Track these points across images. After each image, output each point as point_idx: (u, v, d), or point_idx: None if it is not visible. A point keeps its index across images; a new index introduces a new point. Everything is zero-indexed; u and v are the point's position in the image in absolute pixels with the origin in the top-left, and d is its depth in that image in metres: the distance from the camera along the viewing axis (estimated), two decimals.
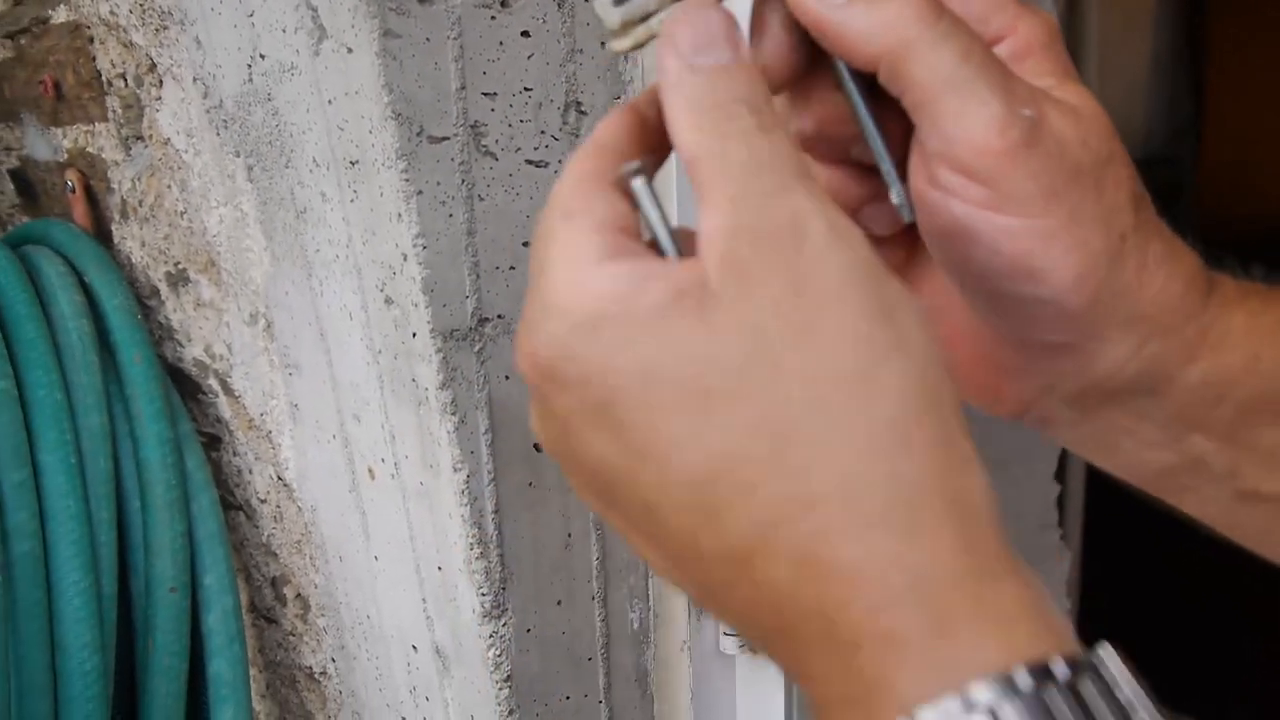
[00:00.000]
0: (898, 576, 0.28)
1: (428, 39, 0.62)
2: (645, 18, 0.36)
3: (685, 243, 0.34)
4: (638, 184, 0.34)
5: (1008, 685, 0.27)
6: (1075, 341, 0.39)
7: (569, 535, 0.72)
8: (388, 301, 0.68)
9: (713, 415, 0.30)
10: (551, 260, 0.33)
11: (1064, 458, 1.36)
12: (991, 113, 0.35)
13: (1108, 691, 0.28)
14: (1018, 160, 0.36)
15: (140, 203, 0.97)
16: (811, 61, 0.39)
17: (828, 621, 0.29)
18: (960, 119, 0.36)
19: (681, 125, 0.33)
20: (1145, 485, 0.43)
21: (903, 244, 0.43)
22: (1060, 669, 0.27)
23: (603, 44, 0.66)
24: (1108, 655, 0.29)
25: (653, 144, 0.36)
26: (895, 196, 0.39)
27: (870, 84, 0.38)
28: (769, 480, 0.30)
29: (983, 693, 0.27)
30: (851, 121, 0.39)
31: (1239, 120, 2.04)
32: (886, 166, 0.39)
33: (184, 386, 1.00)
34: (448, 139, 0.64)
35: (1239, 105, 2.03)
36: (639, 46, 0.36)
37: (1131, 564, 1.92)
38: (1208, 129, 2.09)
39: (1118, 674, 0.29)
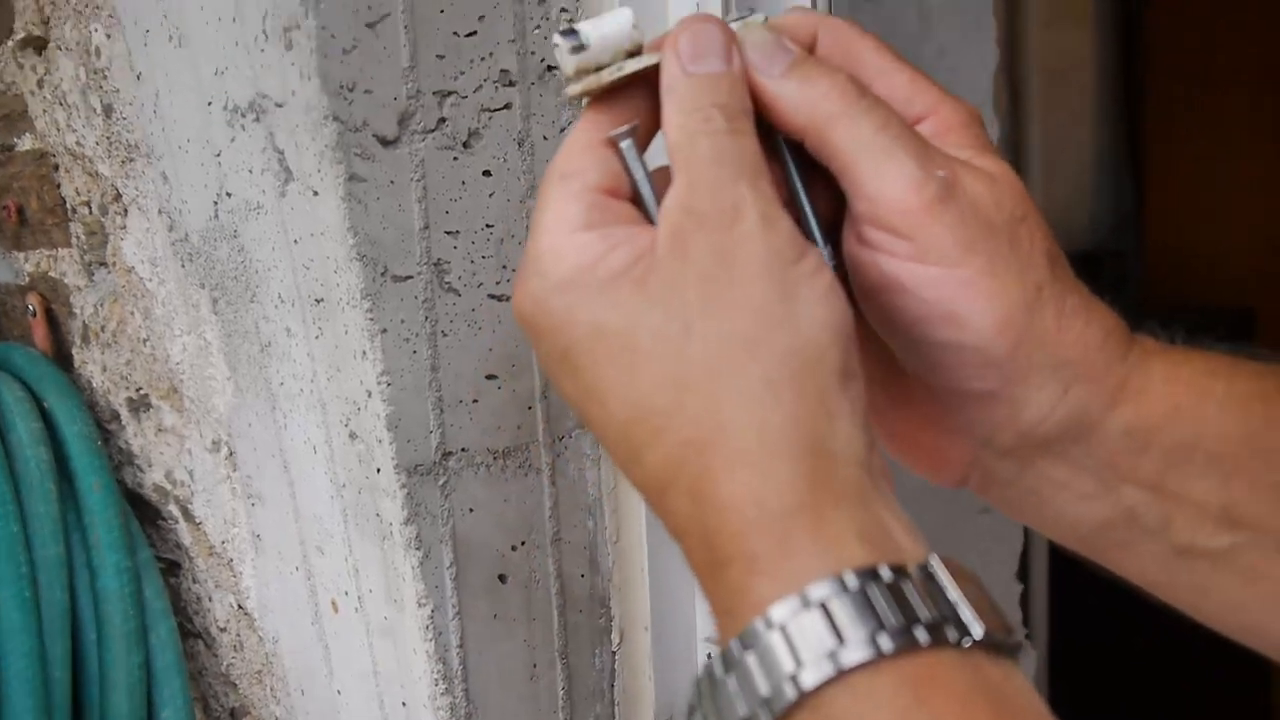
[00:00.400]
0: (754, 509, 0.34)
1: (392, 181, 0.63)
2: (598, 69, 0.41)
3: (665, 189, 0.40)
4: (625, 145, 0.40)
5: (838, 585, 0.33)
6: (1002, 389, 0.42)
7: (534, 666, 0.72)
8: (352, 436, 0.68)
9: (636, 369, 0.37)
10: (542, 224, 0.40)
11: (1025, 556, 1.37)
12: (908, 173, 0.40)
13: (937, 592, 0.33)
14: (934, 215, 0.40)
15: (102, 328, 0.97)
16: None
17: (710, 546, 0.35)
18: (880, 180, 0.40)
19: (669, 120, 0.40)
20: (1083, 546, 0.45)
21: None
22: (885, 573, 0.33)
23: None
24: (937, 565, 0.34)
25: (648, 119, 0.42)
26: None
27: (802, 151, 0.43)
28: (672, 427, 0.36)
29: (816, 590, 0.33)
30: (780, 187, 0.43)
31: (1179, 210, 2.10)
32: (810, 224, 0.43)
33: (143, 512, 0.99)
34: (411, 277, 0.64)
35: (1178, 196, 2.10)
36: (588, 93, 0.42)
37: (1099, 660, 1.92)
38: (1150, 220, 2.16)
39: (946, 581, 0.34)
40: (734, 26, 0.43)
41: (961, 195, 0.41)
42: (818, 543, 0.34)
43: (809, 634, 0.32)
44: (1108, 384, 0.41)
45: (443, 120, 0.64)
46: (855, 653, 0.32)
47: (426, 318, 0.65)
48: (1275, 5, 1.82)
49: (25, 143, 0.99)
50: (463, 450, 0.67)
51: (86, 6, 0.82)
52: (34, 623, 0.87)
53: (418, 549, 0.66)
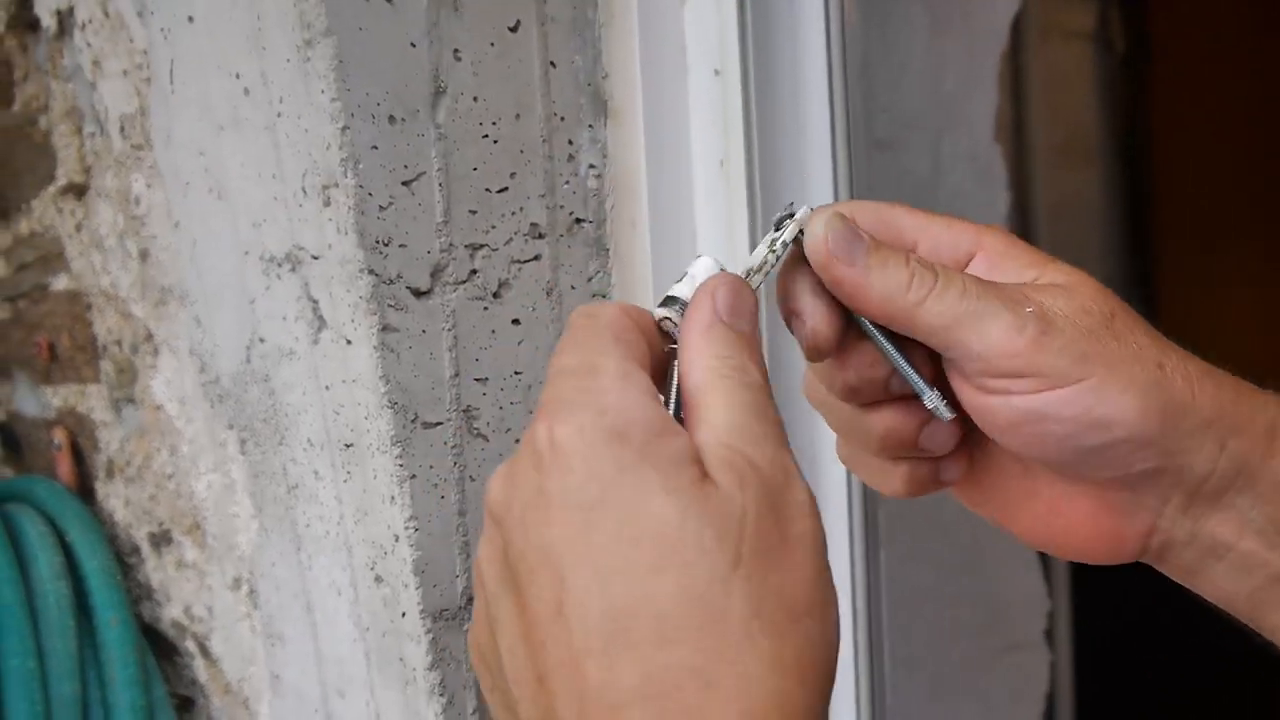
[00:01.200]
0: None
1: (424, 331, 0.65)
2: (762, 268, 0.45)
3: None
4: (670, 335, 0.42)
5: None
6: (1165, 462, 0.43)
7: None
8: (377, 580, 0.68)
9: (666, 567, 0.35)
10: (606, 370, 0.38)
11: (1051, 697, 1.35)
12: (1004, 324, 0.42)
13: None
14: (1043, 347, 0.42)
15: (127, 463, 0.98)
16: (843, 321, 0.46)
17: None
18: (983, 339, 0.42)
19: (700, 354, 0.40)
20: (1245, 608, 0.46)
21: (963, 457, 0.48)
22: None
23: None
24: None
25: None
26: (930, 402, 0.45)
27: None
28: (682, 646, 0.34)
29: None
30: (882, 364, 0.46)
31: (1192, 345, 2.12)
32: (916, 380, 0.45)
33: (160, 647, 0.99)
34: (441, 424, 0.66)
35: (1191, 331, 2.11)
36: (760, 281, 0.45)
37: (1118, 669, 1.86)
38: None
39: None
40: (799, 214, 0.45)
41: (1055, 318, 0.43)
42: None
43: None
44: (1258, 432, 0.43)
45: (474, 272, 0.67)
46: None
47: (455, 463, 0.66)
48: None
49: (60, 282, 1.02)
50: None
51: (128, 158, 0.85)
52: None
53: (441, 695, 0.66)
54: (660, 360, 0.42)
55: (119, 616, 0.95)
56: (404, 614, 0.67)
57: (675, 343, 0.41)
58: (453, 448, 0.66)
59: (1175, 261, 2.12)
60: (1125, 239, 2.15)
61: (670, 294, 0.43)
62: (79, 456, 1.06)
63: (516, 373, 0.68)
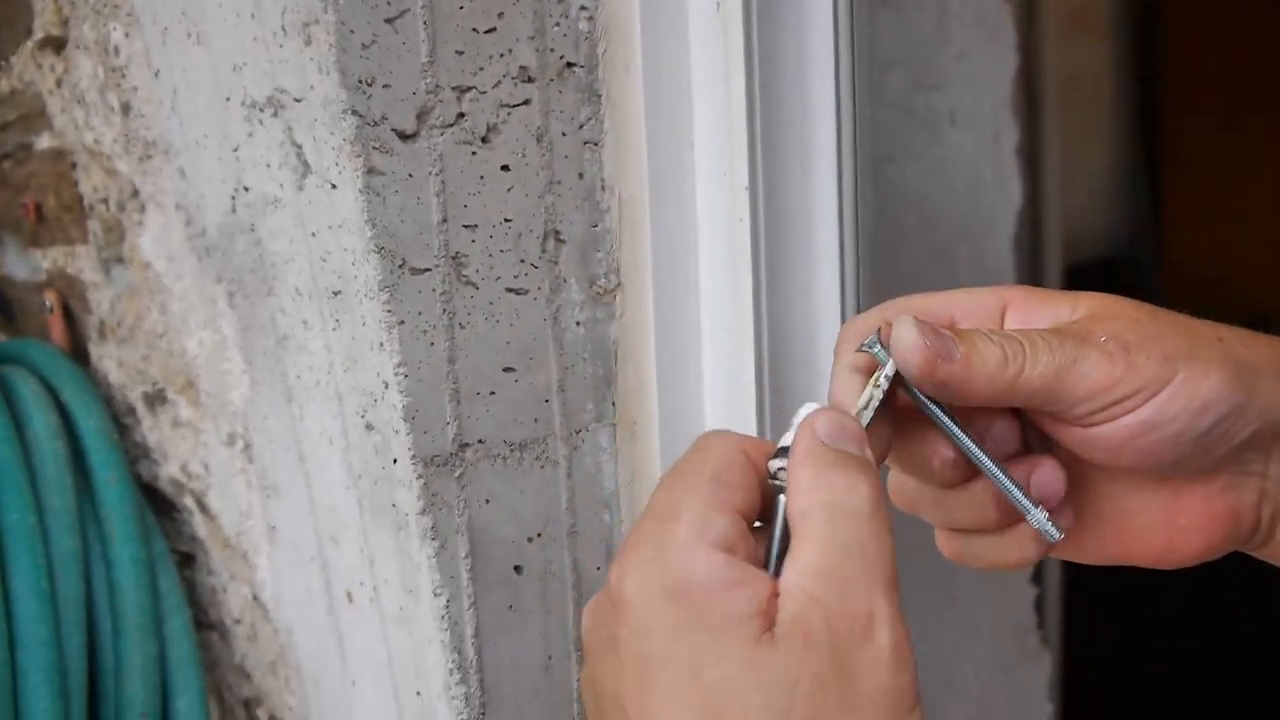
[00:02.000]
0: None
1: (410, 175, 0.64)
2: (868, 404, 0.45)
3: (783, 559, 0.40)
4: (784, 498, 0.40)
5: None
6: (1260, 423, 0.46)
7: (549, 658, 0.72)
8: (368, 428, 0.69)
9: None
10: (684, 516, 0.39)
11: (1041, 560, 1.37)
12: (1097, 361, 0.44)
13: None
14: (1134, 365, 0.44)
15: (119, 324, 0.98)
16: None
17: None
18: (1085, 381, 0.44)
19: (802, 482, 0.40)
20: None
21: (1067, 508, 0.48)
22: None
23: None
24: None
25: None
26: (1036, 523, 0.46)
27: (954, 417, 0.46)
28: None
29: None
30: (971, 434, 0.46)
31: (1196, 218, 2.10)
32: (1022, 501, 0.46)
33: (159, 506, 1.00)
34: (429, 270, 0.65)
35: (1195, 204, 2.10)
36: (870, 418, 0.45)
37: (1113, 664, 1.91)
38: (1167, 228, 2.16)
39: None
40: (879, 347, 0.46)
41: (1124, 335, 0.45)
42: None
43: None
44: None
45: (461, 115, 0.65)
46: None
47: (444, 310, 0.66)
48: None
49: (43, 141, 1.00)
50: (480, 442, 0.68)
51: (105, 6, 0.82)
52: (50, 613, 0.88)
53: (433, 539, 0.67)
54: (769, 503, 0.42)
55: (117, 475, 0.96)
56: (395, 460, 0.67)
57: (785, 490, 0.41)
58: (441, 294, 0.66)
59: (1185, 138, 2.08)
60: (1135, 112, 2.11)
61: (781, 445, 0.42)
62: (71, 319, 1.05)
63: (506, 220, 0.67)
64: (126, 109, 0.85)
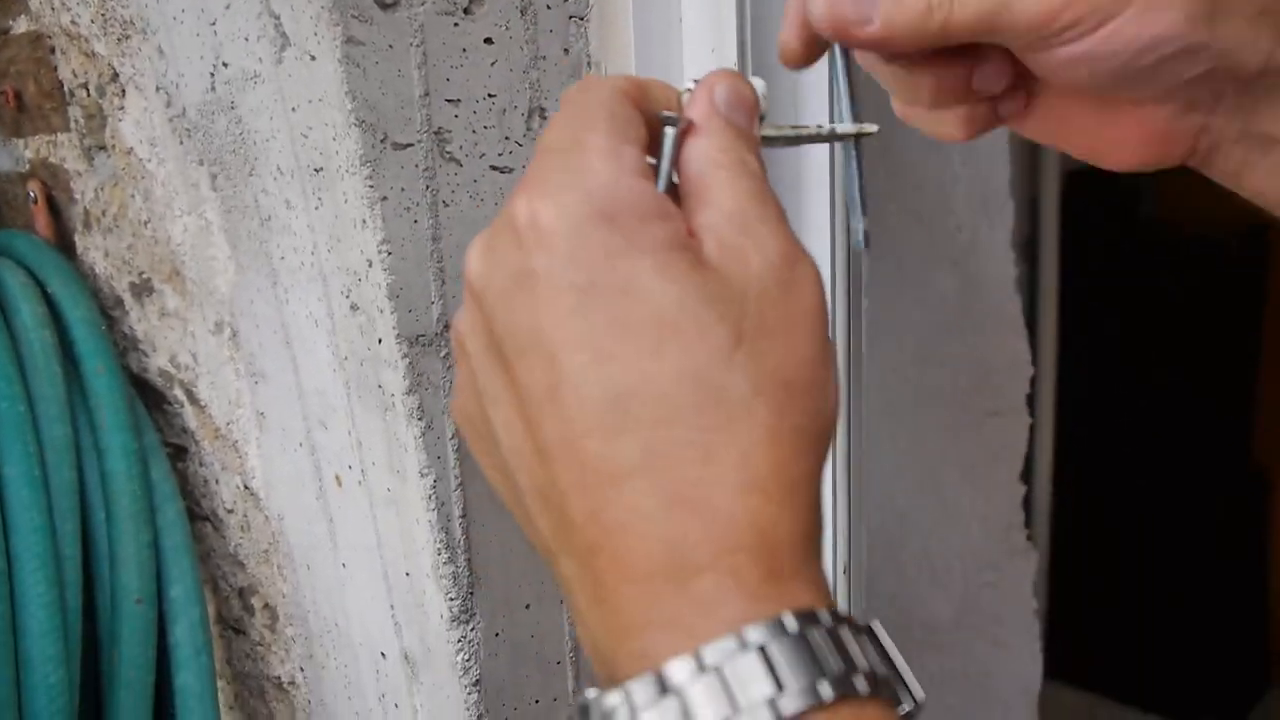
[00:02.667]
0: (755, 535, 0.34)
1: (391, 46, 0.62)
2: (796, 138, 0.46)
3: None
4: (669, 133, 0.39)
5: (813, 619, 0.33)
6: (1219, 62, 0.43)
7: None
8: (353, 308, 0.68)
9: (665, 349, 0.35)
10: (593, 147, 0.37)
11: (1030, 460, 1.38)
12: None
13: (884, 653, 0.35)
14: None
15: (103, 213, 0.97)
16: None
17: (676, 550, 0.34)
18: (1022, 15, 0.42)
19: (700, 150, 0.39)
20: None
21: (1018, 93, 0.48)
22: (850, 622, 0.34)
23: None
24: (879, 629, 0.36)
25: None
26: (855, 223, 0.45)
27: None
28: (683, 423, 0.34)
29: (793, 622, 0.33)
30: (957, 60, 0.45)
31: None
32: (860, 201, 0.45)
33: (149, 397, 1.00)
34: (412, 145, 0.64)
35: None
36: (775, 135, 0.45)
37: (1099, 564, 1.94)
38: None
39: (889, 645, 0.36)
40: (769, 132, 0.45)
41: None
42: (803, 583, 0.34)
43: (788, 661, 0.32)
44: None
45: None
46: (837, 687, 0.32)
47: (427, 187, 0.65)
48: None
49: (20, 25, 0.98)
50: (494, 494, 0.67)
51: None
52: (43, 500, 0.88)
53: (420, 419, 0.67)
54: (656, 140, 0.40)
55: (105, 365, 0.95)
56: (380, 340, 0.67)
57: (674, 124, 0.40)
58: (424, 170, 0.64)
59: None
60: None
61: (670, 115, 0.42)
62: (55, 209, 1.04)
63: (490, 95, 0.66)
64: None
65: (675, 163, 0.40)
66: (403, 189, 0.64)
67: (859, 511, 0.97)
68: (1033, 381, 1.30)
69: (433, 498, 0.68)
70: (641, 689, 0.33)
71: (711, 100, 0.40)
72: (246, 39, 0.68)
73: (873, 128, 0.47)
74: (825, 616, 0.33)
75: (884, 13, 0.42)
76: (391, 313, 0.65)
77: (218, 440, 0.93)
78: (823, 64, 0.47)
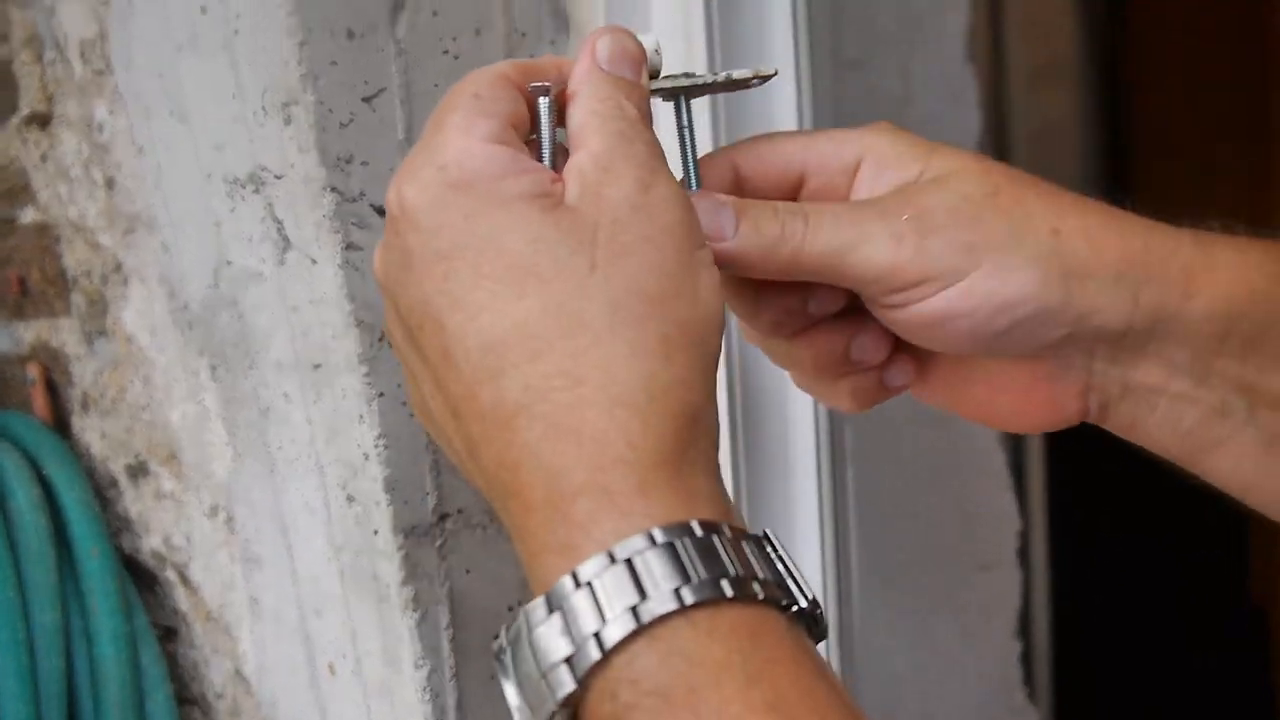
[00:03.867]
0: (625, 448, 0.36)
1: None
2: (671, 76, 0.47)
3: (558, 161, 0.43)
4: (543, 101, 0.43)
5: (684, 529, 0.35)
6: (1079, 327, 0.43)
7: None
8: (350, 499, 0.69)
9: (526, 290, 0.38)
10: (449, 124, 0.40)
11: (1026, 615, 1.37)
12: (883, 241, 0.43)
13: (769, 555, 0.37)
14: (925, 250, 0.43)
15: (102, 395, 0.98)
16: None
17: (556, 476, 0.36)
18: (869, 262, 0.43)
19: (580, 105, 0.42)
20: (1183, 451, 0.47)
21: (907, 361, 0.49)
22: (727, 530, 0.36)
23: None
24: (773, 536, 0.38)
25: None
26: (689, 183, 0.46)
27: None
28: (551, 354, 0.37)
29: (661, 534, 0.35)
30: (792, 294, 0.46)
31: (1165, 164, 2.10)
32: (691, 178, 0.47)
33: (140, 578, 1.00)
34: None
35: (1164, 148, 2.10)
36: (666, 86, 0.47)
37: (1104, 718, 1.90)
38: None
39: (783, 551, 0.37)
40: (664, 84, 0.46)
41: (933, 216, 0.43)
42: (676, 494, 0.36)
43: (654, 571, 0.34)
44: (1172, 276, 0.43)
45: None
46: (699, 592, 0.34)
47: None
48: (1257, 59, 1.86)
49: (27, 215, 1.01)
50: (459, 511, 0.68)
51: (90, 84, 0.84)
52: (30, 691, 0.87)
53: (415, 610, 0.67)
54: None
55: (99, 547, 0.96)
56: (376, 531, 0.67)
57: (545, 93, 0.43)
58: None
59: (1156, 185, 2.12)
60: (1105, 163, 2.14)
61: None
62: (53, 391, 1.06)
63: None
64: (110, 184, 0.87)
65: (557, 126, 0.43)
66: (399, 384, 0.66)
67: (852, 675, 0.96)
68: (1022, 534, 1.30)
69: (427, 689, 0.68)
70: (535, 609, 0.35)
71: (593, 56, 0.43)
72: (250, 240, 0.70)
73: (770, 69, 0.48)
74: (697, 527, 0.35)
75: (741, 232, 0.44)
76: (388, 505, 0.66)
77: (209, 623, 0.92)
78: None
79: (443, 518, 0.68)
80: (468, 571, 0.69)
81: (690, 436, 0.37)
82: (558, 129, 0.44)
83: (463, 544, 0.68)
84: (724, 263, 0.45)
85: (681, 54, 0.72)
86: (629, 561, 0.34)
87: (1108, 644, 1.79)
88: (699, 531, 0.35)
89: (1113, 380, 0.45)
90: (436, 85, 0.66)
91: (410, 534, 0.67)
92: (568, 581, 0.35)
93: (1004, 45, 1.44)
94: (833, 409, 0.51)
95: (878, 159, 0.46)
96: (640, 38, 0.45)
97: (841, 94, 0.99)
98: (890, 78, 1.05)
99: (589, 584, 0.34)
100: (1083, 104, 2.06)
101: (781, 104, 0.76)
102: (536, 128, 0.43)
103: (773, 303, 0.47)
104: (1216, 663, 1.92)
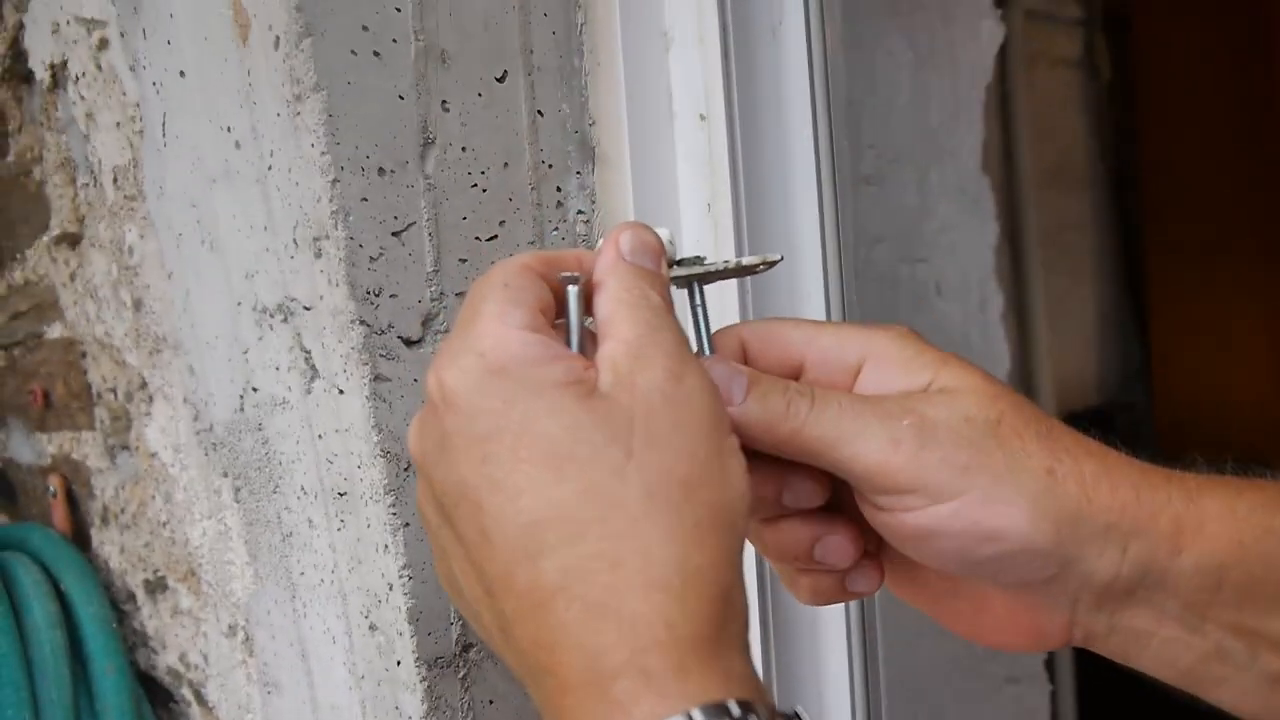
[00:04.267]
0: (663, 630, 0.36)
1: (415, 380, 0.65)
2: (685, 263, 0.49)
3: (587, 347, 0.44)
4: (573, 290, 0.44)
5: (721, 710, 0.35)
6: (1065, 570, 0.43)
7: None
8: (372, 628, 0.68)
9: (565, 474, 0.38)
10: (485, 313, 0.42)
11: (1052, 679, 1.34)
12: (880, 441, 0.43)
13: None
14: (920, 461, 0.43)
15: (122, 510, 0.98)
16: None
17: (596, 657, 0.36)
18: (862, 459, 0.44)
19: (607, 294, 0.44)
20: (1185, 684, 0.46)
21: (874, 569, 0.50)
22: (763, 710, 0.36)
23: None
24: (803, 712, 0.39)
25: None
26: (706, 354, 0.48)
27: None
28: (589, 537, 0.37)
29: (700, 716, 0.35)
30: (769, 483, 0.47)
31: (1185, 359, 2.13)
32: (704, 348, 0.48)
33: (155, 695, 0.98)
34: None
35: (1184, 345, 2.13)
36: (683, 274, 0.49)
37: None
38: (1157, 372, 2.18)
39: None
40: (679, 272, 0.48)
41: (935, 429, 0.43)
42: (712, 674, 0.36)
43: None
44: (1162, 530, 0.43)
45: None
46: None
47: None
48: (1265, 162, 1.89)
49: (54, 331, 1.03)
50: (483, 643, 0.67)
51: (122, 209, 0.85)
52: None
53: None
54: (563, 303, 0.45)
55: (115, 664, 0.95)
56: (399, 662, 0.67)
57: (575, 283, 0.44)
58: None
59: (1168, 282, 2.13)
60: (1117, 261, 2.16)
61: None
62: (74, 503, 1.06)
63: None
64: (138, 305, 0.88)
65: (585, 314, 0.44)
66: None
67: None
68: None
69: None
70: None
71: (617, 249, 0.45)
72: (277, 369, 0.71)
73: (776, 256, 0.50)
74: (734, 707, 0.35)
75: (749, 401, 0.45)
76: (411, 636, 0.65)
77: None
78: None
79: (466, 648, 0.67)
80: (490, 702, 0.68)
81: (724, 617, 0.38)
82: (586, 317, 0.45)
83: (486, 675, 0.67)
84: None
85: (706, 184, 0.73)
86: None
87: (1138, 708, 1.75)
88: (736, 711, 0.35)
89: (1098, 621, 0.45)
90: (465, 218, 0.67)
91: (434, 665, 0.66)
92: None
93: (1016, 154, 1.45)
94: (793, 595, 0.51)
95: (884, 362, 0.47)
96: (656, 230, 0.47)
97: (861, 210, 1.01)
98: (908, 192, 1.06)
99: None
100: (1094, 205, 2.08)
101: (805, 223, 0.77)
102: (564, 315, 0.45)
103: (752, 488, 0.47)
104: None
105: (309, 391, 0.69)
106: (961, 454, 0.43)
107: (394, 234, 0.65)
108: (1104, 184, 2.08)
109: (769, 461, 0.46)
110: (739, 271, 0.51)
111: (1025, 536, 0.42)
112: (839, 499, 0.48)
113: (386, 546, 0.66)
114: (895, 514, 0.44)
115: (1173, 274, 2.12)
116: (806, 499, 0.48)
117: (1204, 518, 0.43)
